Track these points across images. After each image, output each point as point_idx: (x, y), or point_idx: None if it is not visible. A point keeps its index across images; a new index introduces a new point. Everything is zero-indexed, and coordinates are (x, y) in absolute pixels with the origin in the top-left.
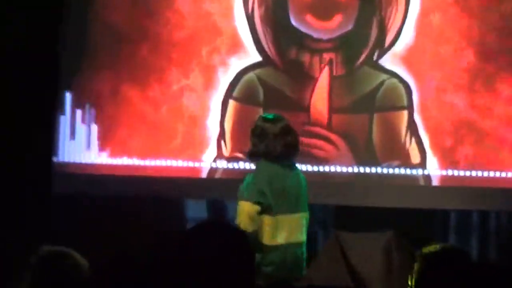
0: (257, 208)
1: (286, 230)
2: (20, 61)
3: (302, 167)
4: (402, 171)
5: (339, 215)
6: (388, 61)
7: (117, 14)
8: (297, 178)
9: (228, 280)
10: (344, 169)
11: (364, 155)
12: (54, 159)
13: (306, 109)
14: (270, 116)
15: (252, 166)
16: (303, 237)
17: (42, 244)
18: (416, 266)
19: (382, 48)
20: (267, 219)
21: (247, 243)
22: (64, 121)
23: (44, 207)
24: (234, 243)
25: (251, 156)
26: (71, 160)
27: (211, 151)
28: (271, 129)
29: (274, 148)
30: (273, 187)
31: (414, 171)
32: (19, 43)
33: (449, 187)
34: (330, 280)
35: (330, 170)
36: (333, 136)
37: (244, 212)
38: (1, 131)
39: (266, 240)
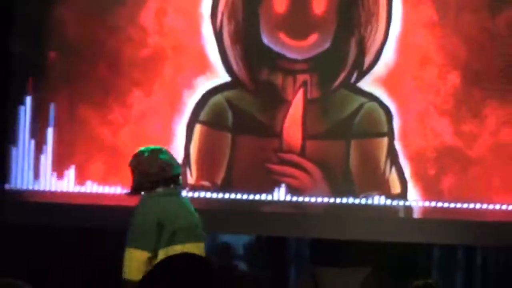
0: None
1: None
2: None
3: (274, 197)
4: (382, 202)
5: (314, 249)
6: (367, 84)
7: (74, 27)
8: None
9: None
10: (319, 200)
11: (341, 184)
12: (6, 186)
13: (279, 135)
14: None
15: (226, 197)
16: None
17: None
18: None
19: (361, 69)
20: None
21: (217, 276)
22: (16, 145)
23: None
24: (205, 277)
25: None
26: (23, 187)
27: None
28: None
29: None
30: None
31: (394, 202)
32: None
33: (432, 220)
34: None
35: (304, 201)
36: (307, 164)
37: None
38: None
39: None
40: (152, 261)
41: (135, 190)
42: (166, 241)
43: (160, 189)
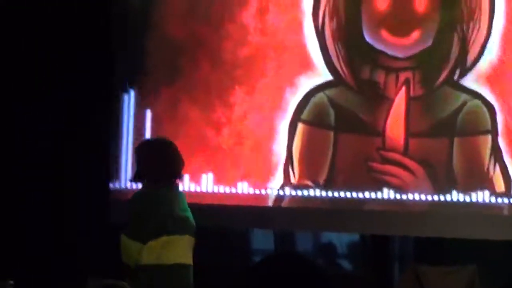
0: None
1: None
2: (76, 80)
3: (376, 195)
4: (486, 199)
5: (418, 247)
6: (470, 81)
7: (176, 27)
8: None
9: None
10: (423, 197)
11: (444, 182)
12: (111, 186)
13: (381, 133)
14: None
15: (329, 195)
16: None
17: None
18: None
19: (464, 66)
20: None
21: (323, 275)
22: (121, 144)
23: (99, 237)
24: (308, 276)
25: None
26: (129, 186)
27: (277, 178)
28: None
29: None
30: None
31: (499, 199)
32: (76, 64)
33: None
34: None
35: (407, 199)
36: (410, 163)
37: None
38: (57, 156)
39: None
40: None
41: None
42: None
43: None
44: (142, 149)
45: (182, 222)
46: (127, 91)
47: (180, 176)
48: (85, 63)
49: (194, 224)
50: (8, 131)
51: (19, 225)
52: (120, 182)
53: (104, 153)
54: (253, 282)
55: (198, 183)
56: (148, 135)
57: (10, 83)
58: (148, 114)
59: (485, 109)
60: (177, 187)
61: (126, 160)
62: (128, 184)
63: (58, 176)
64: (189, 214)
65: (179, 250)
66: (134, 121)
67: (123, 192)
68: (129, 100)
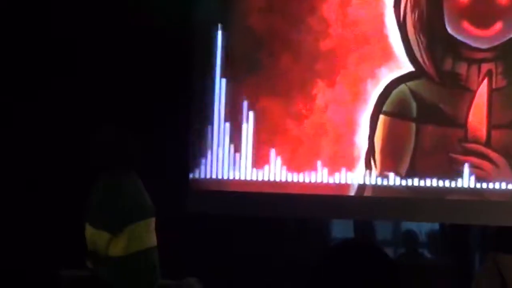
0: None
1: None
2: (154, 70)
3: (457, 184)
4: None
5: (498, 237)
6: None
7: (256, 20)
8: None
9: None
10: (504, 187)
11: None
12: (190, 176)
13: (463, 125)
14: None
15: (407, 184)
16: None
17: None
18: None
19: None
20: None
21: (394, 267)
22: (199, 136)
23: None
24: (379, 265)
25: None
26: (207, 177)
27: (359, 169)
28: None
29: None
30: None
31: None
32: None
33: None
34: None
35: (488, 188)
36: (492, 154)
37: None
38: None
39: None
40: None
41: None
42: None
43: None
44: (95, 138)
45: (144, 207)
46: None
47: (135, 161)
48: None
49: (151, 202)
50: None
51: None
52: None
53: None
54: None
55: (279, 174)
56: (226, 128)
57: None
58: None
59: None
60: (133, 172)
61: (206, 153)
62: (207, 174)
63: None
64: (146, 195)
65: (145, 235)
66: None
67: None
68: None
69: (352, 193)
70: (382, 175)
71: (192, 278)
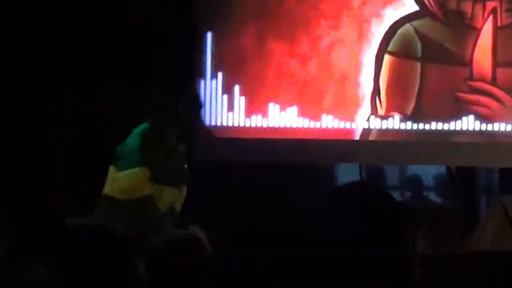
0: None
1: None
2: (155, 18)
3: (463, 126)
4: None
5: (504, 178)
6: None
7: None
8: None
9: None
10: (509, 128)
11: None
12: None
13: (468, 64)
14: None
15: (412, 127)
16: None
17: None
18: None
19: None
20: None
21: (400, 210)
22: (205, 80)
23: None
24: (382, 207)
25: None
26: (213, 124)
27: (364, 110)
28: None
29: None
30: None
31: None
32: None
33: None
34: (494, 249)
35: (493, 129)
36: (498, 92)
37: None
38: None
39: None
40: None
41: None
42: None
43: None
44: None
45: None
46: (209, 28)
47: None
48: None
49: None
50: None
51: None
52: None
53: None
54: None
55: (283, 117)
56: (235, 71)
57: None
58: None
59: None
60: None
61: (211, 99)
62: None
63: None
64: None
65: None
66: (218, 58)
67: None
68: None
69: (357, 137)
70: (388, 116)
71: (195, 226)
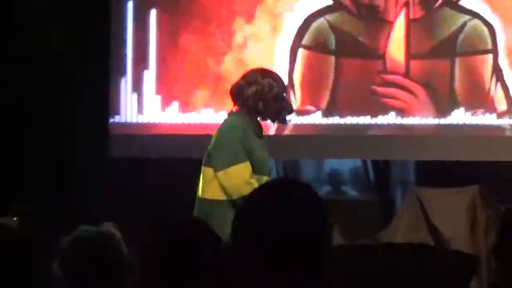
0: None
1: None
2: (71, 16)
3: (377, 119)
4: (487, 121)
5: (419, 171)
6: (470, 1)
7: None
8: None
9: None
10: (424, 121)
11: (446, 104)
12: (111, 120)
13: (382, 57)
14: None
15: (328, 121)
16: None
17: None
18: (501, 223)
19: None
20: None
21: (320, 203)
22: (121, 77)
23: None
24: (306, 201)
25: None
26: (129, 120)
27: None
28: None
29: None
30: None
31: (500, 121)
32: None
33: None
34: (410, 240)
35: (408, 123)
36: (411, 85)
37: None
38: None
39: None
40: None
41: None
42: None
43: None
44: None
45: None
46: (126, 21)
47: None
48: None
49: None
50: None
51: (19, 161)
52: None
53: (103, 88)
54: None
55: (199, 113)
56: (152, 67)
57: None
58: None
59: (485, 28)
60: None
61: (126, 95)
62: (128, 118)
63: (56, 112)
64: None
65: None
66: (135, 54)
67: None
68: (128, 32)
69: (271, 132)
70: (303, 110)
71: (109, 223)
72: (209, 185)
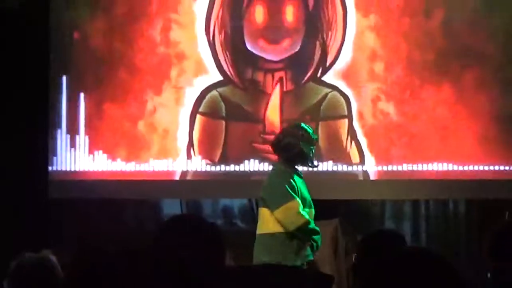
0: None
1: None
2: (13, 78)
3: (258, 168)
4: (345, 168)
5: None
6: (330, 77)
7: (98, 41)
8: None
9: (200, 268)
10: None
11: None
12: (50, 168)
13: (262, 121)
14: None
15: (222, 169)
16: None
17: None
18: (357, 248)
19: (324, 66)
20: None
21: (219, 235)
22: (58, 135)
23: (42, 211)
24: (205, 235)
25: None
26: (64, 169)
27: (182, 157)
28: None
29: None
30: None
31: (355, 168)
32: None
33: (384, 181)
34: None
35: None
36: None
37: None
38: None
39: None
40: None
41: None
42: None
43: None
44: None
45: None
46: (61, 91)
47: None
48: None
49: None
50: None
51: None
52: (57, 165)
53: (43, 140)
54: (159, 238)
55: (117, 163)
56: (81, 128)
57: None
58: (81, 111)
59: (342, 98)
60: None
61: (61, 149)
62: (64, 167)
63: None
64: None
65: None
66: (69, 117)
67: (59, 173)
68: (62, 99)
69: (177, 177)
70: (201, 161)
71: (47, 250)
72: (269, 222)
